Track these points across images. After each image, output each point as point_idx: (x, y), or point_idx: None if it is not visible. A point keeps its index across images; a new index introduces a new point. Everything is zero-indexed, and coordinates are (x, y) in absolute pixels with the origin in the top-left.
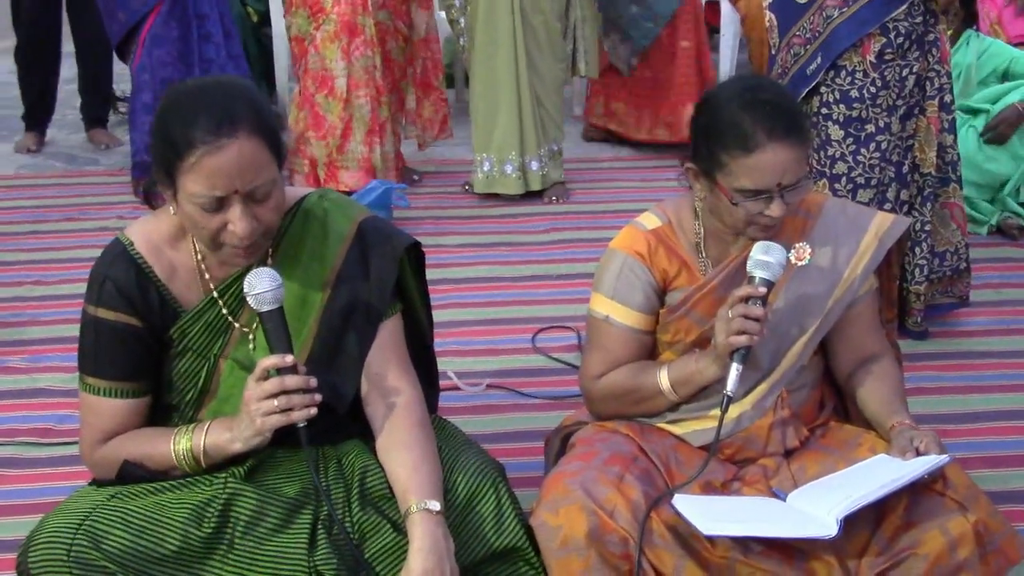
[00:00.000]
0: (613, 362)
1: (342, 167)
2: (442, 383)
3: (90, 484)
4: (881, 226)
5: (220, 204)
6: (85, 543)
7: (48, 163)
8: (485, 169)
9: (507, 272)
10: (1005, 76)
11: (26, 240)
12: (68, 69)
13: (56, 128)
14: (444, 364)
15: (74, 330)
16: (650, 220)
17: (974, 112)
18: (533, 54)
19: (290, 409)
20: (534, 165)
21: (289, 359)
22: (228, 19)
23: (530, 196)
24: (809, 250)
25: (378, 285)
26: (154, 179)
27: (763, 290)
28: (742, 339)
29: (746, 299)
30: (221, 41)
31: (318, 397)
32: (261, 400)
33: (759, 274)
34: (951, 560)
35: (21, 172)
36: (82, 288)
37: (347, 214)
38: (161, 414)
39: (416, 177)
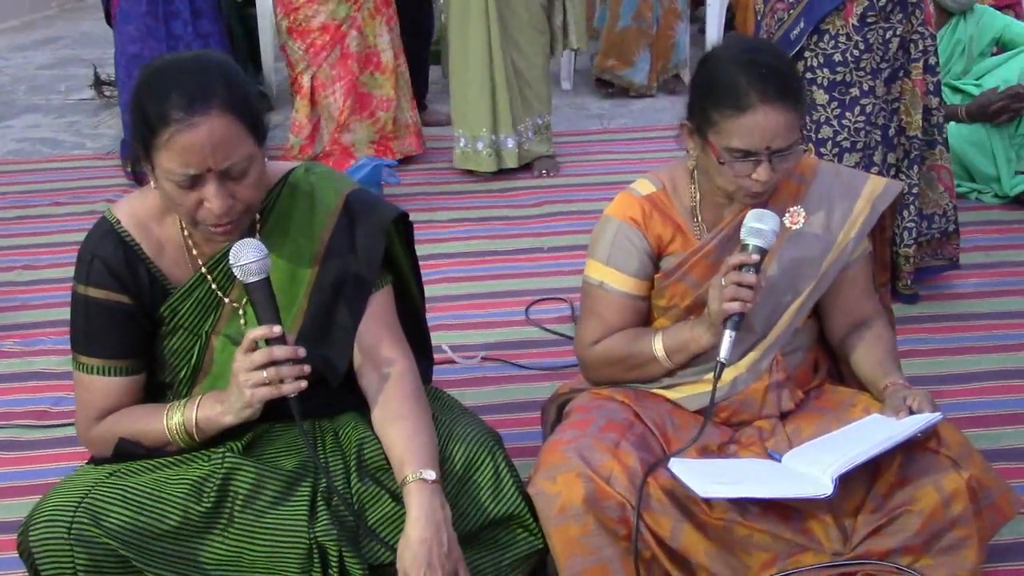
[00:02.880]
0: (608, 328)
1: (394, 137)
2: (437, 356)
3: (88, 463)
4: (874, 190)
5: (195, 181)
6: (85, 520)
7: (35, 148)
8: (461, 145)
9: (499, 246)
10: (998, 44)
11: (14, 225)
12: (48, 53)
13: (42, 113)
14: (439, 338)
15: (66, 313)
16: (644, 186)
17: (956, 91)
18: (511, 29)
19: (280, 381)
20: (509, 143)
21: (277, 329)
22: None
23: (519, 170)
24: (803, 214)
25: (366, 257)
26: (134, 153)
27: (756, 257)
28: (735, 306)
29: (739, 266)
30: (189, 19)
31: (307, 368)
32: (250, 371)
33: (752, 241)
34: (945, 515)
35: (7, 157)
36: (73, 272)
37: (334, 187)
38: (156, 392)
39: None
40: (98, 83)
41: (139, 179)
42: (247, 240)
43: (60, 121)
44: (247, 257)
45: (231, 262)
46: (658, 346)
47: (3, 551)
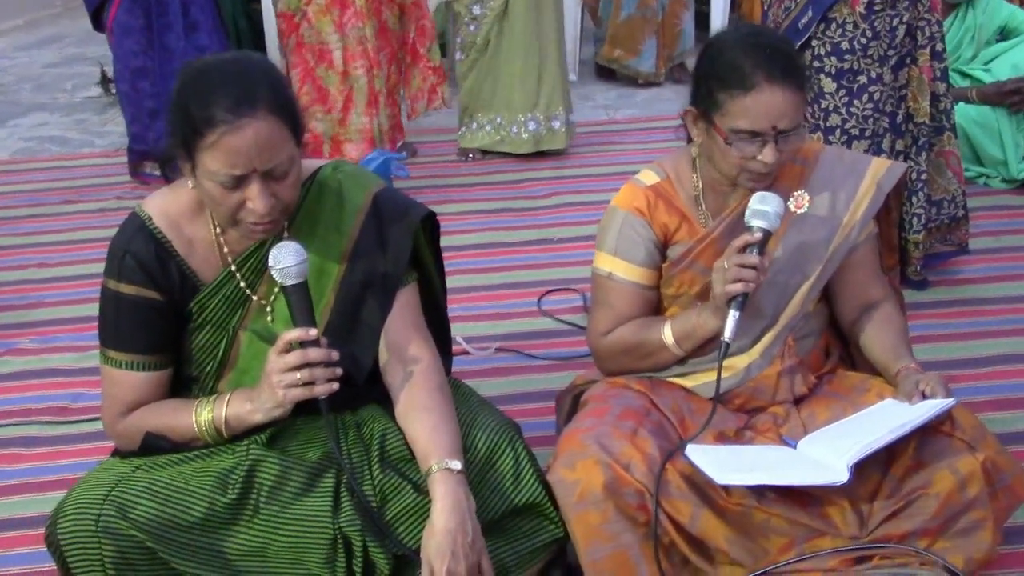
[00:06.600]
0: (618, 318)
1: (346, 140)
2: (452, 348)
3: (113, 456)
4: (878, 171)
5: (239, 182)
6: (113, 513)
7: (43, 146)
8: (531, 128)
9: (510, 237)
10: (1002, 32)
11: (26, 224)
12: (53, 51)
13: (49, 112)
14: (453, 329)
15: (81, 310)
16: (648, 176)
17: (964, 76)
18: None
19: (312, 383)
20: (571, 118)
21: (313, 332)
22: (197, 9)
23: (529, 159)
24: (808, 198)
25: (394, 256)
26: (170, 153)
27: (759, 235)
28: (738, 287)
29: (743, 248)
30: (182, 32)
31: (339, 371)
32: (283, 372)
33: (756, 223)
34: (961, 498)
35: (16, 156)
36: (86, 269)
37: (362, 185)
38: (181, 386)
39: (412, 152)
40: (105, 81)
41: (167, 181)
42: (287, 243)
43: (68, 119)
44: (287, 261)
45: (270, 264)
46: (667, 334)
47: (28, 545)
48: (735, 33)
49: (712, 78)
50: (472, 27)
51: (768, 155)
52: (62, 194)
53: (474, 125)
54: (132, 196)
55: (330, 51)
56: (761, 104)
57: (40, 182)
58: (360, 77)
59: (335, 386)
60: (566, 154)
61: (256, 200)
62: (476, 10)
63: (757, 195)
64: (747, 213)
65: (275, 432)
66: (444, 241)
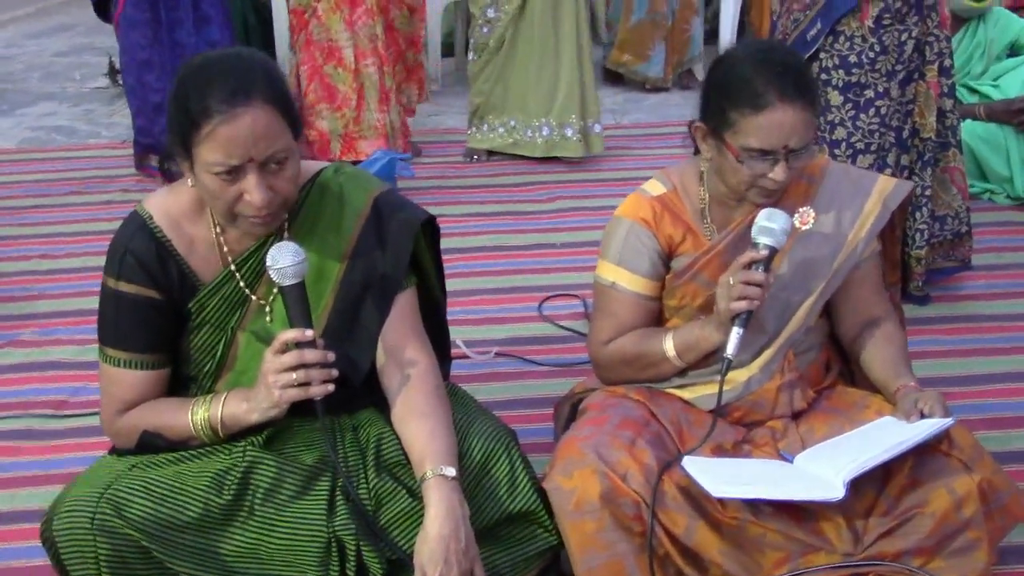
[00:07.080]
0: (620, 328)
1: (360, 137)
2: (451, 352)
3: (110, 454)
4: (884, 189)
5: (236, 173)
6: (108, 511)
7: (50, 136)
8: (544, 134)
9: (512, 241)
10: (1012, 47)
11: (31, 214)
12: (62, 40)
13: (57, 101)
14: (452, 333)
15: (84, 303)
16: (655, 187)
17: (973, 91)
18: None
19: (308, 383)
20: (596, 128)
21: (309, 333)
22: (208, 3)
23: (534, 163)
24: (813, 214)
25: (394, 259)
26: (169, 152)
27: (765, 253)
28: (743, 304)
29: (748, 265)
30: (192, 28)
31: (335, 372)
32: (279, 373)
33: (763, 240)
34: (957, 518)
35: (23, 146)
36: (90, 261)
37: (363, 188)
38: (179, 385)
39: (416, 152)
40: (113, 72)
41: (167, 176)
42: (285, 243)
43: (75, 109)
44: (284, 260)
45: (268, 264)
46: (669, 346)
47: (25, 539)
48: (747, 49)
49: (723, 96)
50: (485, 30)
51: (779, 173)
52: (68, 185)
53: (485, 127)
54: (137, 189)
55: (340, 48)
56: (774, 123)
57: (46, 172)
58: (372, 74)
59: (330, 387)
60: (571, 158)
61: (253, 192)
62: (490, 13)
63: (764, 212)
64: (754, 229)
65: (272, 433)
66: (446, 243)
